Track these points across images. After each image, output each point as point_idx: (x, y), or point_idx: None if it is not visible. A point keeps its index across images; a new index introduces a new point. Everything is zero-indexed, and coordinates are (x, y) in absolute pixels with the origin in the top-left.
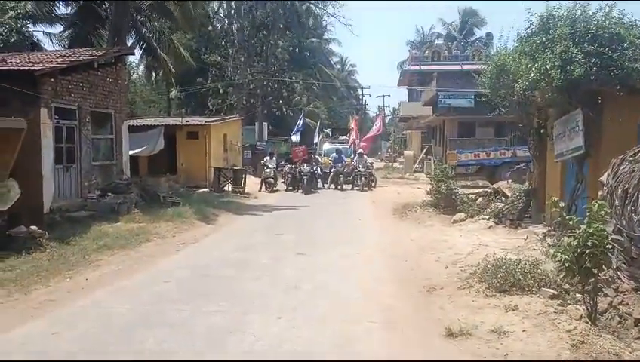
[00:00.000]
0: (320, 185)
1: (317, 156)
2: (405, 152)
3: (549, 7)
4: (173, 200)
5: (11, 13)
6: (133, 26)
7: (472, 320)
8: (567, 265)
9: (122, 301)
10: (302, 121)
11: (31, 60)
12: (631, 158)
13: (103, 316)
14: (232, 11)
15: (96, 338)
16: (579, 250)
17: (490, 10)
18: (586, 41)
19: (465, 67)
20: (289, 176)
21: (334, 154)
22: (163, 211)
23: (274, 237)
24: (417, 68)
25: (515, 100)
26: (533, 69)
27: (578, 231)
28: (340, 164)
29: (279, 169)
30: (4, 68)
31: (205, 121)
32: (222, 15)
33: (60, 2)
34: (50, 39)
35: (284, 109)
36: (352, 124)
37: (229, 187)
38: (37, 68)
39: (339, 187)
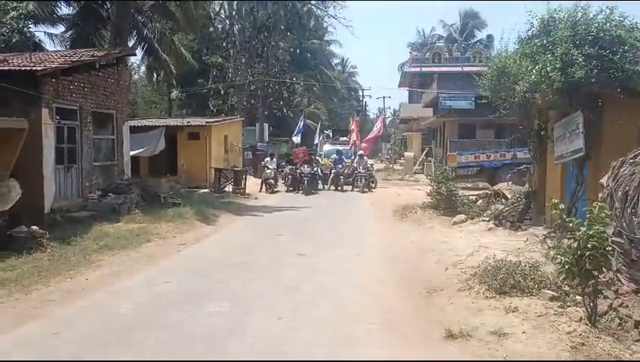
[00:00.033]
0: (320, 186)
1: (317, 157)
2: (405, 154)
3: (549, 10)
4: (174, 201)
5: (13, 13)
6: (134, 27)
7: (472, 322)
8: (567, 267)
9: (123, 301)
10: (302, 123)
11: (32, 60)
12: (631, 161)
13: (104, 316)
14: (234, 12)
15: (96, 338)
16: (579, 252)
17: (491, 12)
18: (587, 44)
19: (465, 69)
20: (289, 177)
21: (335, 156)
22: (164, 212)
23: (274, 238)
24: (418, 69)
25: (515, 102)
26: (534, 71)
27: (578, 234)
28: (340, 165)
29: (280, 170)
30: (6, 68)
31: (206, 122)
32: (223, 16)
33: (62, 3)
34: (52, 40)
35: (284, 110)
36: (353, 126)
37: (229, 188)
38: (39, 68)
39: (339, 188)
